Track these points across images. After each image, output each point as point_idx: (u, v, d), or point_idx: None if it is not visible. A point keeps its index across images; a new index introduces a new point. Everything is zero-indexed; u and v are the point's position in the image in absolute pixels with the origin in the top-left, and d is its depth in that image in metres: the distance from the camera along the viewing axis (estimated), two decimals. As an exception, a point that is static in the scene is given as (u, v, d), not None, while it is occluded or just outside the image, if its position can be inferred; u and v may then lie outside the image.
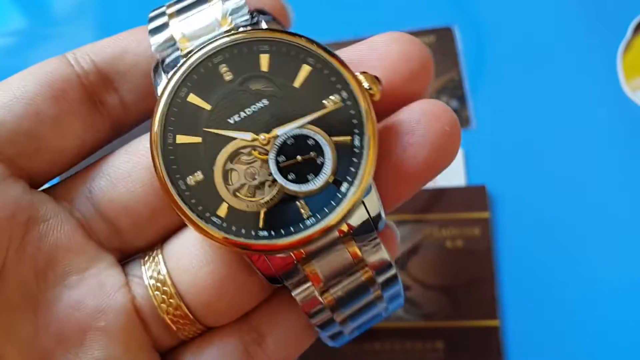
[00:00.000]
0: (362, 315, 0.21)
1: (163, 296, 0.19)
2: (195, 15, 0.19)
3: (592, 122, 0.43)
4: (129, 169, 0.19)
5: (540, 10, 0.46)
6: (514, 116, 0.44)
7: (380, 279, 0.20)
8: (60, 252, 0.18)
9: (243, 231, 0.17)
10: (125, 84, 0.19)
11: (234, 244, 0.17)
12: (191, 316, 0.19)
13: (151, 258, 0.20)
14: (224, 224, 0.17)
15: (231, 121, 0.18)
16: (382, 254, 0.19)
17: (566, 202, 0.41)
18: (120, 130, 0.20)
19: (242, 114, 0.18)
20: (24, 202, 0.18)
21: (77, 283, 0.18)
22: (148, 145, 0.18)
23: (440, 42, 0.46)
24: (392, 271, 0.20)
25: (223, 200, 0.17)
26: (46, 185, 0.20)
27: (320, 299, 0.19)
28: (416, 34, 0.46)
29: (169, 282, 0.19)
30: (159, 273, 0.19)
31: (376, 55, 0.19)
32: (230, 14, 0.19)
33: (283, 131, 0.18)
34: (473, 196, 0.41)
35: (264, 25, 0.19)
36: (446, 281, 0.39)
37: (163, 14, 0.20)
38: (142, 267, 0.20)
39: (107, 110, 0.19)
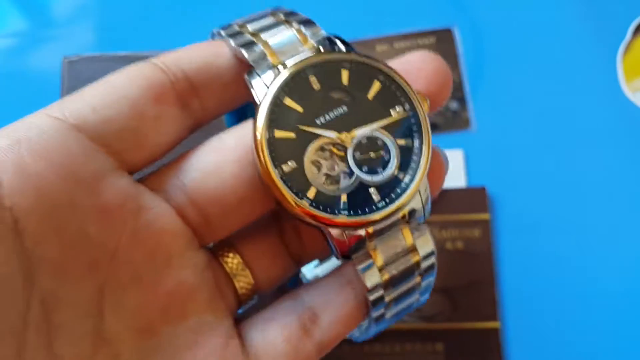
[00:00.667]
0: (403, 300, 0.24)
1: (241, 278, 0.23)
2: (279, 34, 0.23)
3: (592, 124, 0.43)
4: (219, 163, 0.22)
5: (540, 12, 0.46)
6: (514, 118, 0.44)
7: (424, 264, 0.24)
8: (166, 237, 0.20)
9: (328, 210, 0.21)
10: (207, 92, 0.22)
11: (321, 219, 0.21)
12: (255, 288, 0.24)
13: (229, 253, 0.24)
14: (313, 204, 0.21)
15: (318, 122, 0.22)
16: (429, 241, 0.24)
17: (566, 203, 0.41)
18: (197, 128, 0.23)
19: (327, 117, 0.22)
20: (132, 192, 0.20)
21: (180, 264, 0.21)
22: (234, 143, 0.22)
23: (440, 43, 0.46)
24: (433, 259, 0.24)
25: (312, 184, 0.21)
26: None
27: (379, 274, 0.23)
28: (416, 35, 0.47)
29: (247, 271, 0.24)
30: (238, 264, 0.24)
31: (415, 72, 0.24)
32: (311, 38, 0.23)
33: (359, 132, 0.22)
34: (473, 198, 0.41)
35: (342, 48, 0.24)
36: (446, 283, 0.39)
37: (240, 32, 0.23)
38: (223, 260, 0.24)
39: (192, 112, 0.22)
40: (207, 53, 0.22)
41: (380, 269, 0.23)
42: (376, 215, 0.22)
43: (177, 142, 0.22)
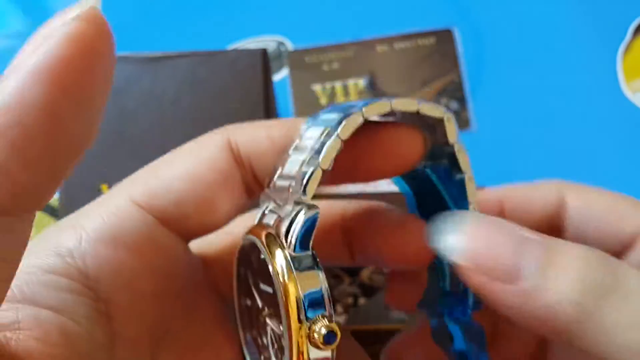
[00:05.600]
0: None
1: None
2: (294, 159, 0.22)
3: (592, 124, 0.43)
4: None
5: (540, 12, 0.46)
6: (514, 118, 0.44)
7: None
8: (208, 311, 0.22)
9: None
10: (268, 177, 0.22)
11: None
12: None
13: None
14: None
15: None
16: None
17: (566, 203, 0.41)
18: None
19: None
20: (195, 272, 0.22)
21: (217, 339, 0.22)
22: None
23: (440, 44, 0.46)
24: None
25: None
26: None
27: None
28: (416, 36, 0.46)
29: None
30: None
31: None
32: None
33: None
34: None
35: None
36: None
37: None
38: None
39: (253, 194, 0.22)
40: (275, 150, 0.21)
41: None
42: None
43: (237, 216, 0.23)
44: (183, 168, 0.21)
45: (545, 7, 0.46)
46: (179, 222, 0.20)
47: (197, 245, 0.23)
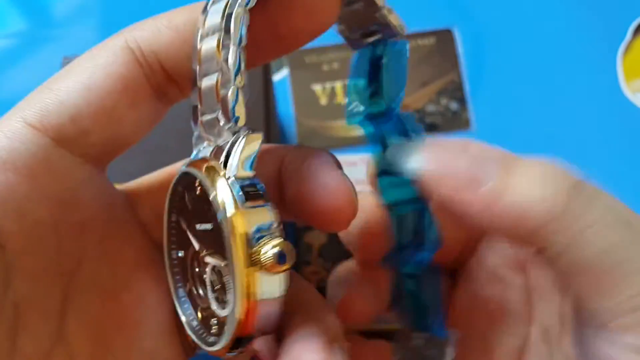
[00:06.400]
0: None
1: None
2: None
3: (592, 124, 0.43)
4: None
5: (540, 12, 0.46)
6: (514, 118, 0.44)
7: None
8: (129, 251, 0.20)
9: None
10: (186, 80, 0.20)
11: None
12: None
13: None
14: None
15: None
16: None
17: (566, 203, 0.41)
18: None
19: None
20: (106, 201, 0.20)
21: (140, 278, 0.20)
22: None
23: (440, 44, 0.46)
24: None
25: None
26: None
27: None
28: (416, 35, 0.47)
29: None
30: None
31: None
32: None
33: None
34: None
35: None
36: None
37: None
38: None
39: (169, 99, 0.20)
40: (187, 39, 0.19)
41: None
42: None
43: (152, 127, 0.21)
44: (77, 79, 0.19)
45: (545, 7, 0.46)
46: (78, 141, 0.18)
47: (132, 183, 0.22)
